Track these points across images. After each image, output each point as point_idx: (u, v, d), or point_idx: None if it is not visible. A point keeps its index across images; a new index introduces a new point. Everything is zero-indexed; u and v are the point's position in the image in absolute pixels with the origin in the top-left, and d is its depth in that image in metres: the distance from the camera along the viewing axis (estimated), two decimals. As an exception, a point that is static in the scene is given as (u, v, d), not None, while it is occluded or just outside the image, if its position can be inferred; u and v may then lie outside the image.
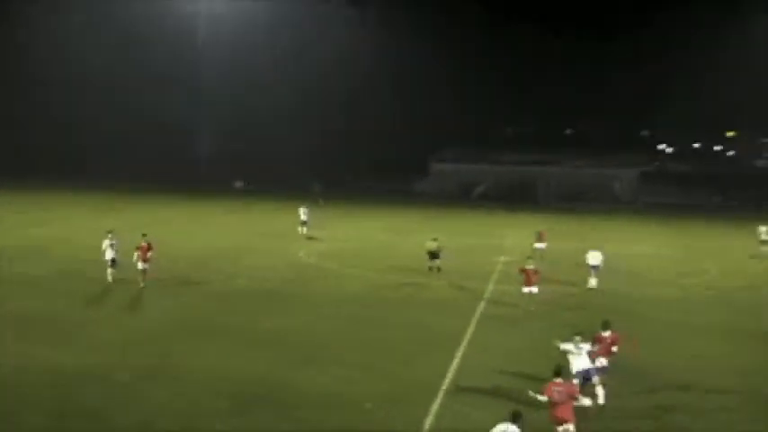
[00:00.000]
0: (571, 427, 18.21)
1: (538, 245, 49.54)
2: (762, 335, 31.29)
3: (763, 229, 55.60)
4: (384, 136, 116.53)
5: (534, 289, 33.83)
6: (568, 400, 18.57)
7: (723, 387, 23.87)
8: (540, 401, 18.75)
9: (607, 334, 22.41)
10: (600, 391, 21.31)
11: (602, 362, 21.98)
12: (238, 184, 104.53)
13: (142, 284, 35.99)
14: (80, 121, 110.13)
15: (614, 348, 22.30)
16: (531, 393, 19.68)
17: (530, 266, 34.48)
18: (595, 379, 21.38)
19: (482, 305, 35.38)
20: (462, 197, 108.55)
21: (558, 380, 18.71)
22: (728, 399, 22.81)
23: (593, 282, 39.57)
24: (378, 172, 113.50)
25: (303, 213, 59.12)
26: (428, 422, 20.35)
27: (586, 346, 21.42)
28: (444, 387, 23.18)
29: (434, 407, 21.47)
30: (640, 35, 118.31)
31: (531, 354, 26.21)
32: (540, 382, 20.30)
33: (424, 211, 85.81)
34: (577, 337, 21.47)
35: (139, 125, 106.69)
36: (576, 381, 20.61)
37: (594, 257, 39.92)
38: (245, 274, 42.21)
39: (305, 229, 58.40)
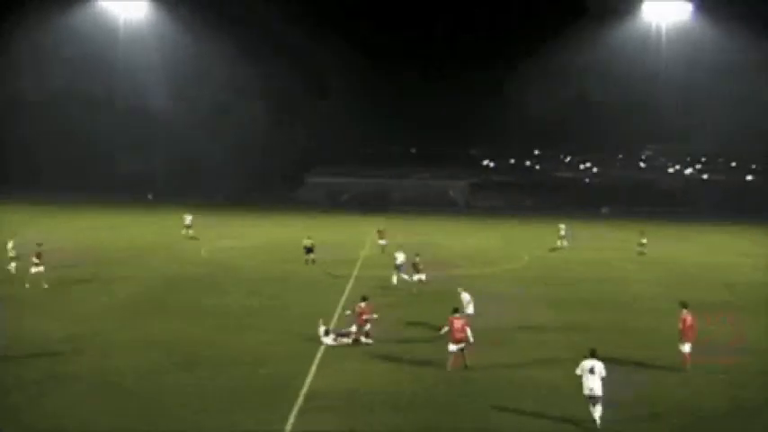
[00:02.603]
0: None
1: (380, 241, 49.49)
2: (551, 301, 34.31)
3: (561, 226, 55.74)
4: (267, 157, 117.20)
5: (423, 276, 34.72)
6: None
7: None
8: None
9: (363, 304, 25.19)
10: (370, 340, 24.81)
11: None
12: (149, 196, 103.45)
13: (29, 285, 33.54)
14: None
15: (366, 317, 24.93)
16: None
17: (417, 260, 35.53)
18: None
19: (349, 285, 36.99)
20: (331, 204, 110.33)
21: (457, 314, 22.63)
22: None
23: (414, 277, 35.54)
24: (264, 184, 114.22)
25: (187, 219, 57.67)
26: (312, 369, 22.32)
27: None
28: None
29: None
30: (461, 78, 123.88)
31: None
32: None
33: (301, 214, 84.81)
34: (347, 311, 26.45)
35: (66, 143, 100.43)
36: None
37: (399, 257, 36.63)
38: (166, 267, 42.59)
39: (189, 231, 56.78)
